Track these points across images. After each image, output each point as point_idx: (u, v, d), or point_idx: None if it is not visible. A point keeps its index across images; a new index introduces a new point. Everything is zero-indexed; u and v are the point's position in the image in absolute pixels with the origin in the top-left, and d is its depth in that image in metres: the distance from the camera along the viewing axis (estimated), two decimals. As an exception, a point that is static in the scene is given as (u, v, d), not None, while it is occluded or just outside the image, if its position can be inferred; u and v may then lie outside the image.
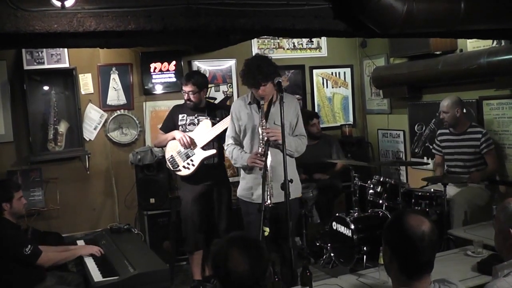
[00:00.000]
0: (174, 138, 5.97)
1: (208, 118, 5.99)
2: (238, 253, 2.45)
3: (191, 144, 5.88)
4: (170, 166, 6.02)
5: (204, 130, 5.93)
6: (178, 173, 6.00)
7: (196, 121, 6.03)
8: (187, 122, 6.05)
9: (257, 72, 4.75)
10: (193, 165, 5.89)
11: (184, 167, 5.92)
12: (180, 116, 6.08)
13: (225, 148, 5.30)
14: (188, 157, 5.91)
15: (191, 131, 5.98)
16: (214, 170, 6.05)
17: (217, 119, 5.97)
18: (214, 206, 6.08)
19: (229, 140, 5.21)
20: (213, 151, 5.91)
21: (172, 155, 5.99)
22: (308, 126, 7.27)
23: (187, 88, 5.95)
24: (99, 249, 5.13)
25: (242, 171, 5.23)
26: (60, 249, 5.13)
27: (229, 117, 5.34)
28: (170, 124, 6.12)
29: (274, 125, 4.87)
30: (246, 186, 5.10)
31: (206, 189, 6.02)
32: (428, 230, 2.49)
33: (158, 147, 6.47)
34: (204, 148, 5.92)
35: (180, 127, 6.04)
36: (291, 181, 4.41)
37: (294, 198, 4.75)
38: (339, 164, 7.18)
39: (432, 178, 6.31)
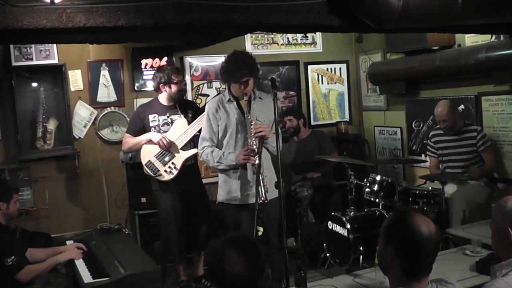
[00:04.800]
0: (149, 141, 5.80)
1: (182, 115, 5.89)
2: (234, 253, 2.45)
3: (171, 146, 5.75)
4: (149, 172, 5.80)
5: (181, 129, 5.80)
6: (160, 178, 5.79)
7: (169, 120, 5.89)
8: (160, 122, 5.88)
9: (243, 66, 4.77)
10: (175, 168, 5.75)
11: (166, 171, 5.76)
12: (151, 117, 5.89)
13: (200, 151, 5.13)
14: (168, 160, 5.76)
15: (166, 131, 5.82)
16: (192, 172, 5.99)
17: (190, 116, 5.86)
18: (194, 209, 5.99)
19: (204, 143, 5.09)
20: (195, 150, 5.74)
21: (149, 160, 5.79)
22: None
23: (181, 78, 5.96)
24: (79, 253, 5.08)
25: (222, 175, 5.10)
26: (47, 251, 5.11)
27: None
28: (138, 126, 5.92)
29: (256, 121, 4.87)
30: (234, 188, 5.00)
31: (185, 193, 5.89)
32: (435, 231, 2.53)
33: (128, 152, 6.28)
34: (184, 148, 5.80)
35: (153, 128, 5.86)
36: (282, 180, 4.42)
37: (274, 198, 4.73)
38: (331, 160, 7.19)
39: (430, 176, 6.33)
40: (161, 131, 5.84)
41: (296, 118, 7.42)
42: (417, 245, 2.50)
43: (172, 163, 5.77)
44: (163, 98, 5.96)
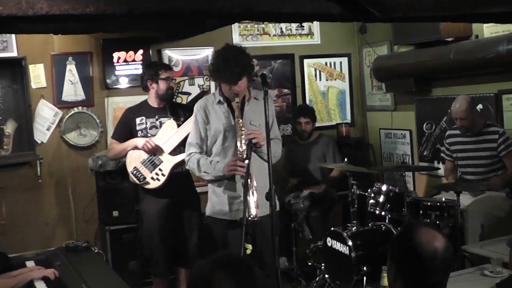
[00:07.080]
0: (135, 147, 5.88)
1: (171, 118, 5.96)
2: (223, 276, 2.40)
3: (157, 150, 5.82)
4: (135, 179, 5.90)
5: (170, 133, 5.88)
6: (147, 186, 5.90)
7: (158, 123, 5.99)
8: (148, 125, 5.99)
9: (234, 64, 4.72)
10: (163, 174, 5.83)
11: (152, 178, 5.85)
12: (138, 120, 6.00)
13: (186, 157, 5.15)
14: (155, 166, 5.85)
15: (154, 135, 5.92)
16: (183, 179, 6.03)
17: (181, 119, 5.95)
18: (182, 220, 6.03)
19: (191, 149, 5.09)
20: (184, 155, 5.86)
21: (135, 167, 5.89)
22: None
23: (171, 74, 6.09)
24: (53, 271, 5.07)
25: (211, 186, 5.10)
26: (7, 276, 5.06)
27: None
28: (125, 131, 6.04)
29: (250, 126, 4.86)
30: (222, 201, 4.98)
31: (173, 201, 5.95)
32: (442, 247, 2.49)
33: (114, 159, 6.38)
34: (172, 153, 5.87)
35: (140, 132, 5.97)
36: (276, 190, 4.39)
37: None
38: (336, 170, 7.18)
39: (443, 186, 6.33)
40: (149, 135, 5.94)
41: (313, 122, 7.43)
42: (417, 264, 2.48)
43: (160, 169, 5.86)
44: (152, 99, 6.08)
